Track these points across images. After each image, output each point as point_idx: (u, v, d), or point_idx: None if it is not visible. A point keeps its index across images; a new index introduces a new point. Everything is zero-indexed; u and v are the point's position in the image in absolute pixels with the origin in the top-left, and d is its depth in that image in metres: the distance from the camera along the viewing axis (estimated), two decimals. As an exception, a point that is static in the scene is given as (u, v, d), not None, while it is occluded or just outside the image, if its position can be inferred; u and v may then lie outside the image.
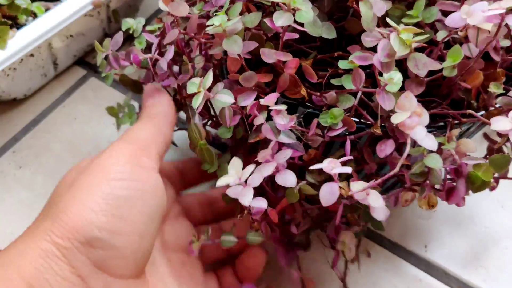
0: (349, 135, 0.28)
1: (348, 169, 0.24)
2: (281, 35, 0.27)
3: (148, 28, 0.37)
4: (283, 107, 0.27)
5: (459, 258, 0.39)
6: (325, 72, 0.31)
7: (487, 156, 0.33)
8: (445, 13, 0.30)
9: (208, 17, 0.32)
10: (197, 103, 0.27)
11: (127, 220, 0.26)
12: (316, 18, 0.28)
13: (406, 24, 0.28)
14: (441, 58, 0.30)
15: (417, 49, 0.27)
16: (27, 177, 0.45)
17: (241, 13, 0.29)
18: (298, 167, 0.29)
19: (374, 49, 0.27)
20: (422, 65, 0.26)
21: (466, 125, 0.31)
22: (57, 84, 0.52)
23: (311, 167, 0.26)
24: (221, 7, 0.30)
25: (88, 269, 0.24)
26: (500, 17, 0.25)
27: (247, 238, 0.32)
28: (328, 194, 0.24)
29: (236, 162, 0.27)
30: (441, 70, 0.28)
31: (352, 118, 0.28)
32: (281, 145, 0.28)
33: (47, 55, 0.47)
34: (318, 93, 0.29)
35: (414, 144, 0.25)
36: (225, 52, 0.30)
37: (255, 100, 0.27)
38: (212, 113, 0.34)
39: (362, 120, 0.28)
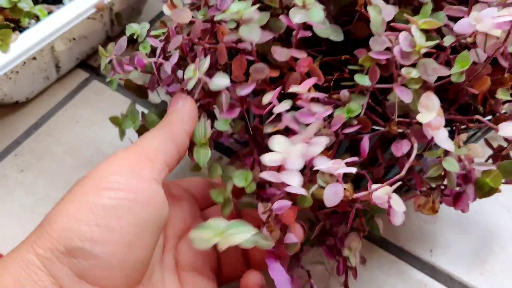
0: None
1: (353, 169, 0.24)
2: (294, 33, 0.27)
3: (152, 33, 0.37)
4: (288, 104, 0.26)
5: (464, 262, 0.39)
6: (331, 76, 0.31)
7: (491, 162, 0.33)
8: (452, 18, 0.30)
9: (212, 21, 0.31)
10: (191, 85, 0.26)
11: (113, 230, 0.25)
12: (325, 19, 0.28)
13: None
14: (448, 63, 0.30)
15: (424, 54, 0.27)
16: (29, 180, 0.44)
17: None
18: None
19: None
20: (431, 70, 0.26)
21: (472, 131, 0.31)
22: (59, 87, 0.52)
23: (318, 168, 0.26)
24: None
25: (69, 279, 0.24)
26: (510, 24, 0.25)
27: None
28: (333, 195, 0.24)
29: (281, 140, 0.26)
30: (449, 75, 0.28)
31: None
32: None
33: (50, 58, 0.47)
34: (326, 95, 0.29)
35: (426, 147, 0.25)
36: (230, 57, 0.30)
37: (257, 95, 0.27)
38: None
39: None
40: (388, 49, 0.27)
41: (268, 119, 0.28)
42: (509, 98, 0.29)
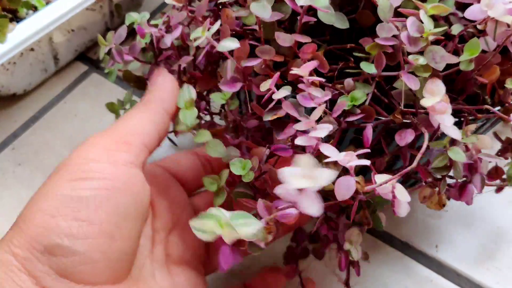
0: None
1: (367, 162, 0.23)
2: (299, 17, 0.26)
3: (152, 22, 0.36)
4: (288, 90, 0.25)
5: (471, 258, 0.39)
6: (336, 66, 0.30)
7: (499, 154, 0.33)
8: (459, 7, 0.29)
9: (216, 2, 0.30)
10: (197, 43, 0.25)
11: (92, 222, 0.23)
12: (330, 6, 0.27)
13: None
14: (456, 53, 0.29)
15: (432, 43, 0.26)
16: (27, 174, 0.44)
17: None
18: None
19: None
20: (439, 58, 0.25)
21: (480, 121, 0.30)
22: (57, 80, 0.51)
23: (326, 160, 0.25)
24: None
25: (51, 279, 0.23)
26: (522, 9, 0.24)
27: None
28: (345, 188, 0.23)
29: (307, 160, 0.23)
30: (457, 64, 0.27)
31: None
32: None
33: (48, 49, 0.46)
34: (330, 84, 0.28)
35: (432, 137, 0.25)
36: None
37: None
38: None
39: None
40: (395, 37, 0.26)
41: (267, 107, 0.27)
42: (518, 87, 0.28)
